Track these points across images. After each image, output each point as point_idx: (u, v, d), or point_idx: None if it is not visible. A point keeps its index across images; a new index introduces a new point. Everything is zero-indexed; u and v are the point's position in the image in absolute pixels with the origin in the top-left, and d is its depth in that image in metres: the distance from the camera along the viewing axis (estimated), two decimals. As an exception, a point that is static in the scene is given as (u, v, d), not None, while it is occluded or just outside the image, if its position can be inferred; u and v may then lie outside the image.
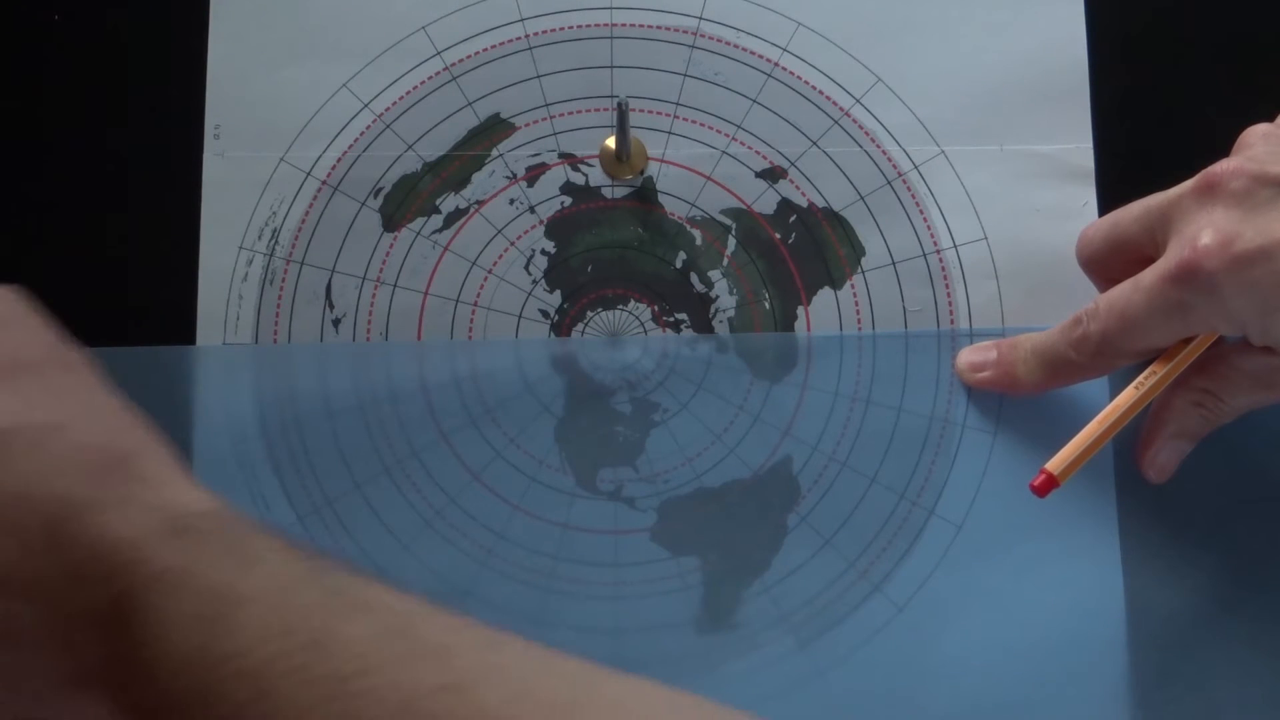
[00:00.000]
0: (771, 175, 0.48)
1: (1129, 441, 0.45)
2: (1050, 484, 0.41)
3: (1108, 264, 0.44)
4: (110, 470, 0.33)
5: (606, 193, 0.48)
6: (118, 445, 0.34)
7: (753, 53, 0.49)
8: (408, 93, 0.49)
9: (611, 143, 0.48)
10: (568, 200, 0.48)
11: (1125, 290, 0.41)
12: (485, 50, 0.49)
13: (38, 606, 0.31)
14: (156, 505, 0.32)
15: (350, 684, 0.29)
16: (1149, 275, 0.41)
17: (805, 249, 0.48)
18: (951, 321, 0.47)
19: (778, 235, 0.48)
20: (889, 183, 0.48)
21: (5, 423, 0.33)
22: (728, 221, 0.48)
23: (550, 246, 0.48)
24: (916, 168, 0.48)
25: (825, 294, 0.48)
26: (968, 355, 0.46)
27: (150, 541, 0.31)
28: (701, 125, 0.49)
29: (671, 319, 0.48)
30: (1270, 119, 0.43)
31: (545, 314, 0.48)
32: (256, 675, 0.29)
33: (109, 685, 0.31)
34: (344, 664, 0.29)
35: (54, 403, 0.34)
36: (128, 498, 0.32)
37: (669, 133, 0.49)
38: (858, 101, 0.49)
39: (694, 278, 0.48)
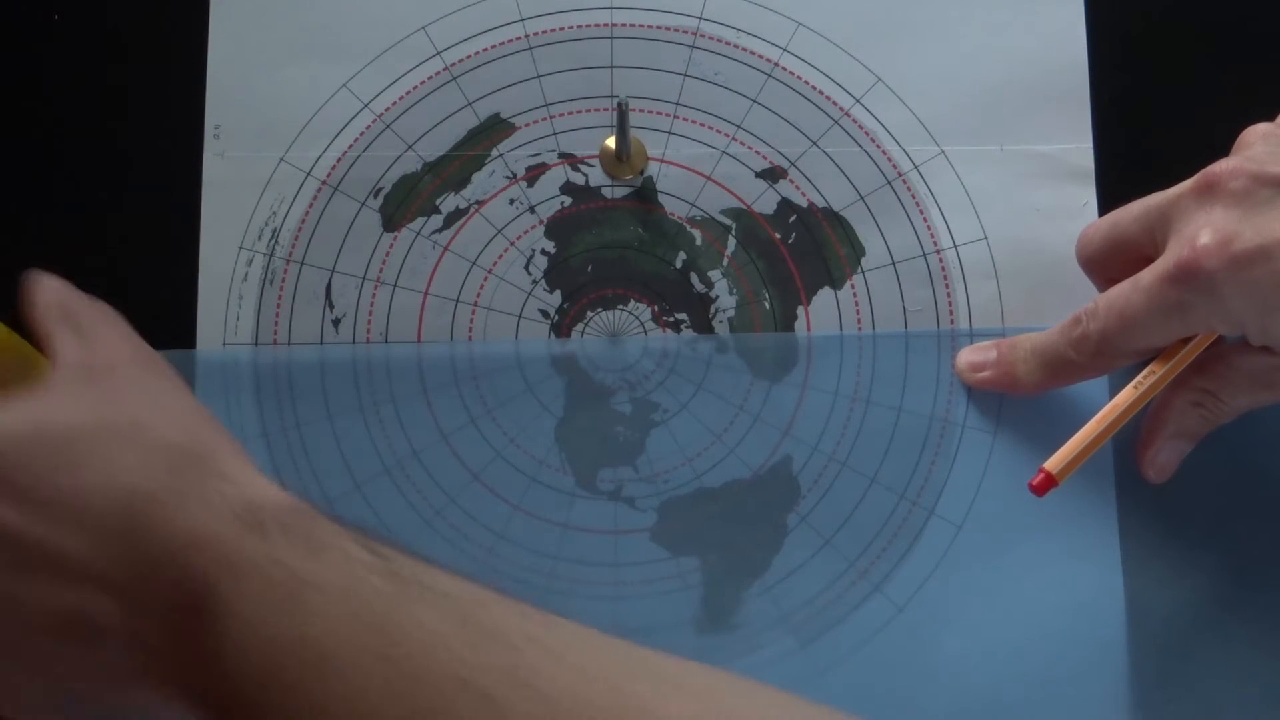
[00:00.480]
0: (771, 175, 0.48)
1: (1129, 441, 0.45)
2: (1049, 483, 0.41)
3: (1107, 264, 0.44)
4: (189, 466, 0.34)
5: (606, 193, 0.48)
6: (196, 443, 0.35)
7: (753, 53, 0.49)
8: (408, 93, 0.49)
9: (611, 143, 0.48)
10: (568, 200, 0.48)
11: (1124, 290, 0.41)
12: (485, 50, 0.49)
13: (114, 597, 0.32)
14: (232, 499, 0.33)
15: (410, 663, 0.30)
16: (1148, 275, 0.41)
17: (805, 249, 0.48)
18: (951, 321, 0.47)
19: (778, 235, 0.48)
20: (889, 183, 0.48)
21: (89, 419, 0.34)
22: (728, 221, 0.48)
23: (550, 246, 0.48)
24: (916, 168, 0.48)
25: (825, 294, 0.48)
26: (967, 355, 0.46)
27: (225, 532, 0.32)
28: (701, 125, 0.49)
29: (671, 319, 0.48)
30: (1270, 119, 0.43)
31: (545, 314, 0.48)
32: (321, 655, 0.30)
33: (178, 674, 0.32)
34: (406, 645, 0.30)
35: (137, 402, 0.35)
36: (205, 492, 0.33)
37: (669, 133, 0.49)
38: (858, 101, 0.49)
39: (694, 278, 0.48)
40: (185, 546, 0.32)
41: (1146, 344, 0.42)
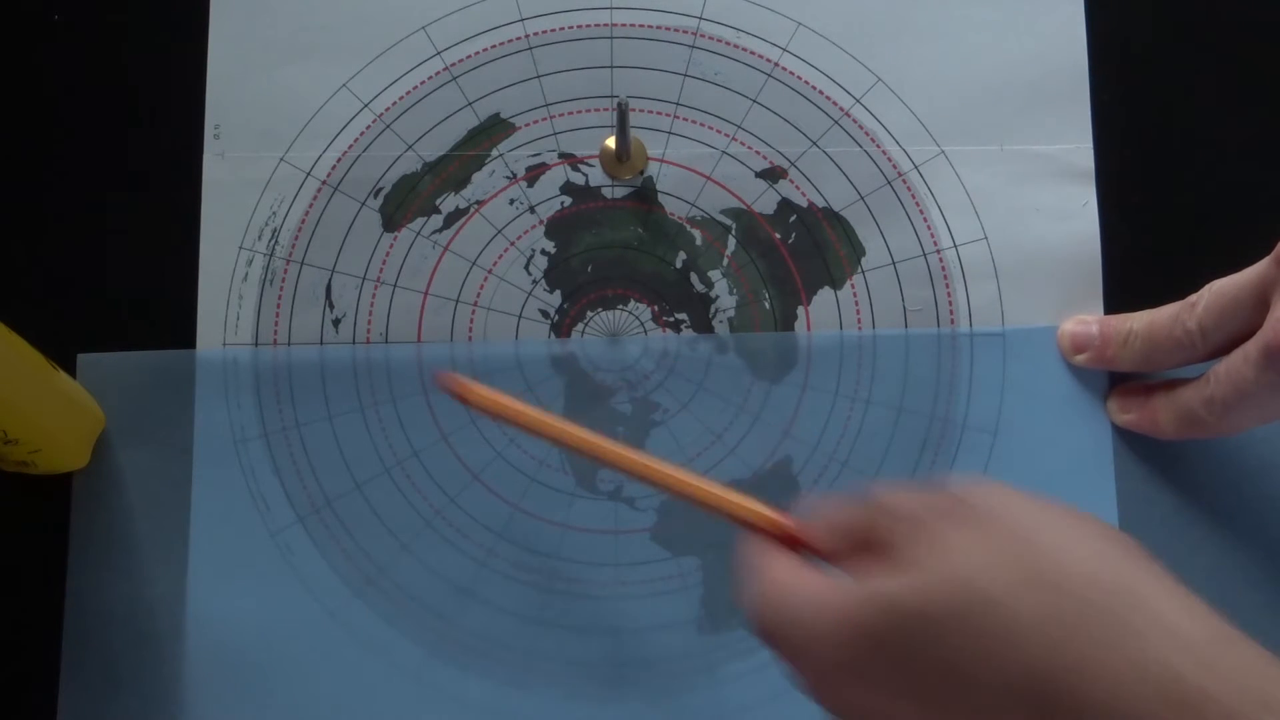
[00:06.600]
0: (771, 175, 0.48)
1: (1129, 442, 0.45)
2: None
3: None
4: (1096, 624, 0.28)
5: (606, 193, 0.48)
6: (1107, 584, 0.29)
7: (753, 53, 0.49)
8: (408, 93, 0.49)
9: (611, 143, 0.48)
10: (568, 200, 0.48)
11: (1237, 361, 0.40)
12: (485, 50, 0.49)
13: None
14: (1152, 669, 0.27)
15: None
16: (1252, 348, 0.40)
17: (805, 249, 0.48)
18: (952, 321, 0.47)
19: (778, 235, 0.48)
20: (889, 183, 0.48)
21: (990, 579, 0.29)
22: (728, 221, 0.48)
23: (550, 246, 0.48)
24: (916, 168, 0.48)
25: (825, 294, 0.48)
26: (1115, 399, 0.46)
27: None
28: (701, 125, 0.49)
29: (671, 319, 0.48)
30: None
31: (545, 314, 0.48)
32: None
33: None
34: None
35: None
36: (1114, 661, 0.28)
37: (669, 133, 0.49)
38: (858, 101, 0.49)
39: (694, 278, 0.48)
40: None
41: (1265, 416, 0.41)
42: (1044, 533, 0.30)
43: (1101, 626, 0.28)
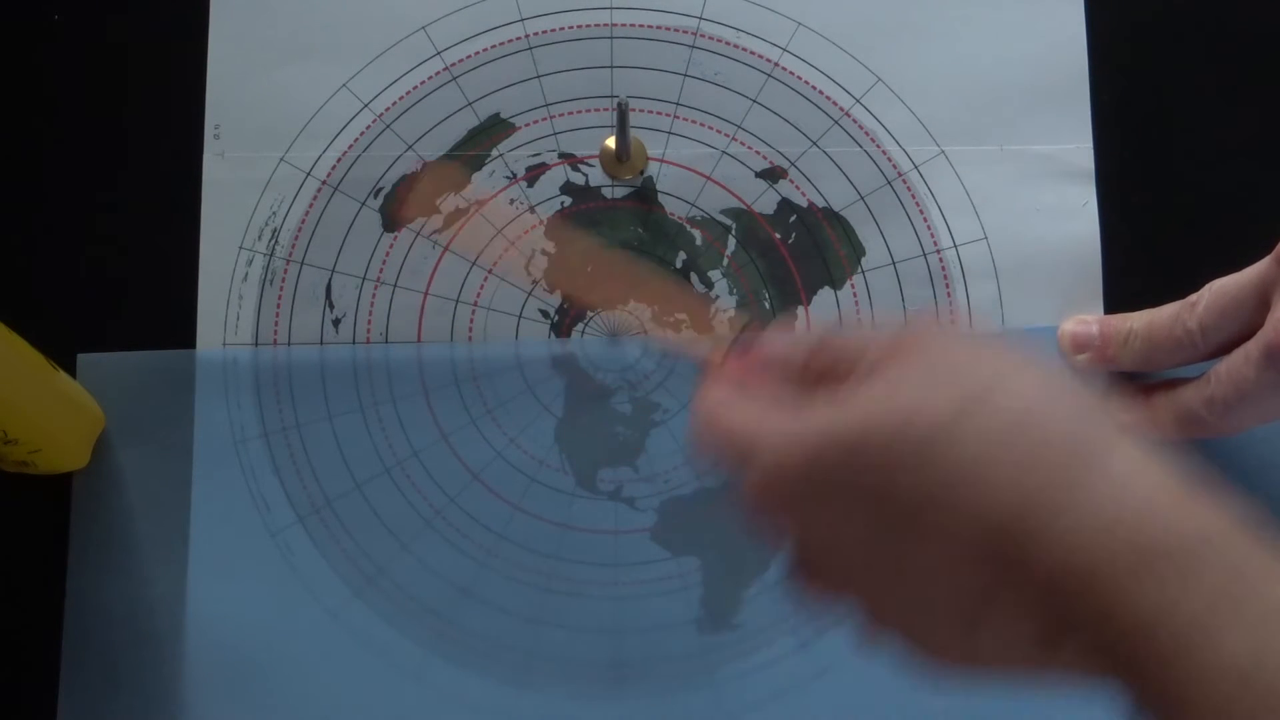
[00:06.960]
0: (771, 175, 0.48)
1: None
2: None
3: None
4: (1058, 469, 0.28)
5: (606, 193, 0.48)
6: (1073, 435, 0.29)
7: (753, 53, 0.49)
8: (408, 93, 0.49)
9: (611, 143, 0.48)
10: (568, 200, 0.48)
11: (1238, 361, 0.40)
12: (485, 50, 0.49)
13: (991, 603, 0.29)
14: (1111, 525, 0.27)
15: None
16: (1253, 347, 0.40)
17: (805, 249, 0.48)
18: (952, 321, 0.47)
19: (778, 235, 0.48)
20: (889, 183, 0.48)
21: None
22: (728, 221, 0.48)
23: (550, 246, 0.48)
24: (916, 168, 0.48)
25: (825, 294, 0.48)
26: (1115, 399, 0.45)
27: (1109, 580, 0.27)
28: (701, 125, 0.49)
29: (671, 319, 0.48)
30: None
31: (545, 314, 0.48)
32: None
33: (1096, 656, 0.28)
34: None
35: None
36: (1076, 515, 0.27)
37: (669, 133, 0.49)
38: (858, 101, 0.49)
39: (694, 278, 0.48)
40: (1059, 581, 0.27)
41: (1265, 416, 0.41)
42: (1002, 380, 0.29)
43: (1058, 481, 0.28)
